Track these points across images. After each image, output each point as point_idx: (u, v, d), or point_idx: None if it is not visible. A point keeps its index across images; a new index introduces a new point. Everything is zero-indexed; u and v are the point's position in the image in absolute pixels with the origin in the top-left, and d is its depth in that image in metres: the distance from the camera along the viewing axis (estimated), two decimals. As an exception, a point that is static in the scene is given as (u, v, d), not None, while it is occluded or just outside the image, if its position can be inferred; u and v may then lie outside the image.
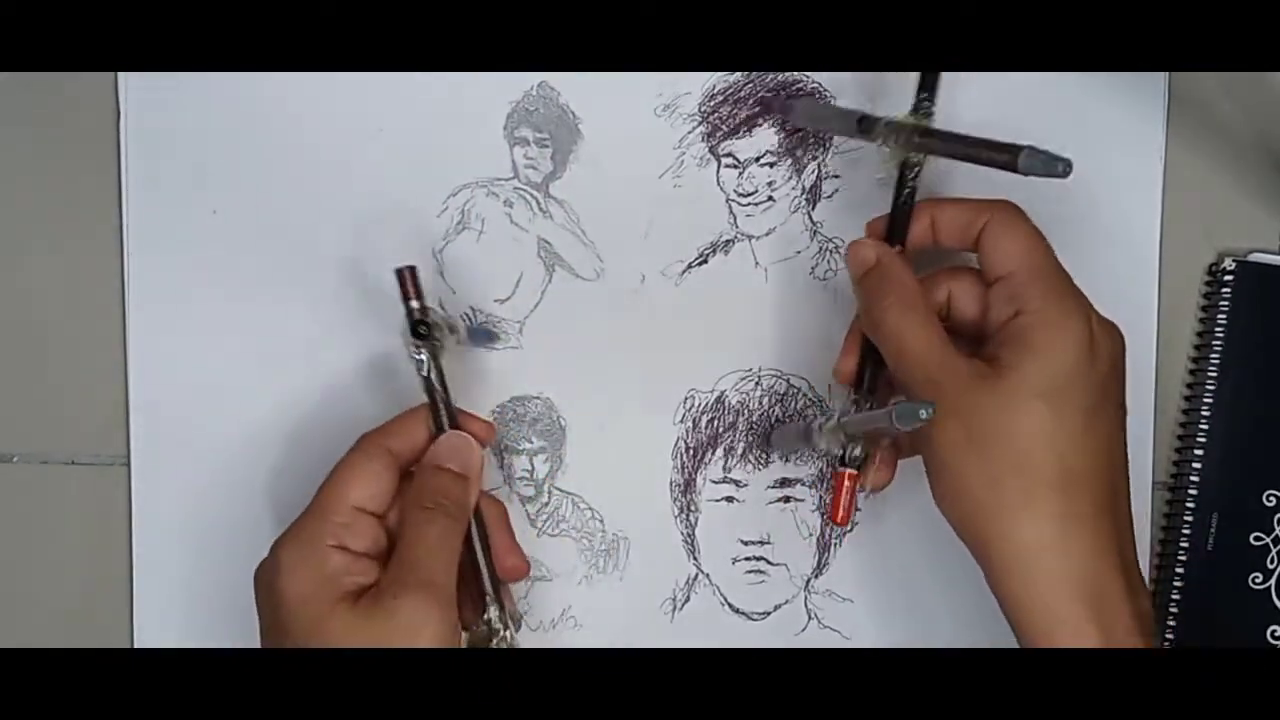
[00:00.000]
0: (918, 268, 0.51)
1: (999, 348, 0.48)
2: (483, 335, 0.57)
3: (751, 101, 0.57)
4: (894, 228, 0.52)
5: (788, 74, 0.58)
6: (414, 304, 0.52)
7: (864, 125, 0.52)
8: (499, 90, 0.57)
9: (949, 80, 0.52)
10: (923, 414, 0.45)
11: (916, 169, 0.52)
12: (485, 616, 0.52)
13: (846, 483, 0.52)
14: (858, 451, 0.52)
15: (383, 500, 0.51)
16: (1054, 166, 0.47)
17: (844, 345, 0.54)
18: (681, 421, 0.58)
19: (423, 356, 0.52)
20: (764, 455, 0.58)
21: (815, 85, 0.58)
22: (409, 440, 0.52)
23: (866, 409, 0.53)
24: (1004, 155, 0.48)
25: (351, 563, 0.49)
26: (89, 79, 0.57)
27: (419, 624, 0.47)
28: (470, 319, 0.57)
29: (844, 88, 0.58)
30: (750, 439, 0.58)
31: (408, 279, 0.52)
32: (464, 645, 0.51)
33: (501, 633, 0.52)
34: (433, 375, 0.52)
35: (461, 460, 0.52)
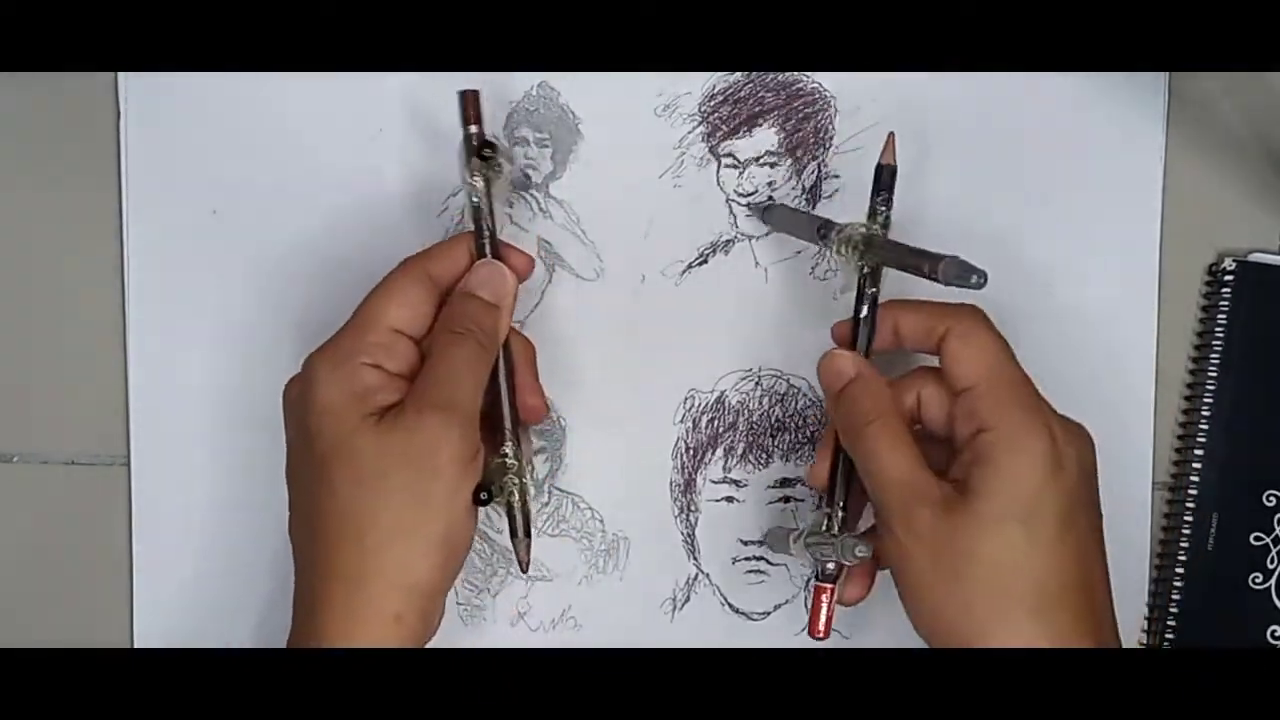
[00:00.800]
0: (885, 367, 0.52)
1: (966, 468, 0.48)
2: (523, 176, 0.57)
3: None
4: (859, 337, 0.52)
5: (788, 75, 0.58)
6: (474, 128, 0.52)
7: (822, 232, 0.53)
8: (499, 90, 0.57)
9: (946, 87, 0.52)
10: (859, 551, 0.48)
11: (874, 277, 0.52)
12: (503, 450, 0.52)
13: (823, 597, 0.52)
14: (830, 566, 0.52)
15: (421, 324, 0.51)
16: (967, 278, 0.47)
17: (818, 451, 0.54)
18: (681, 421, 0.58)
19: (478, 181, 0.52)
20: (764, 455, 0.58)
21: (815, 85, 0.58)
22: (450, 266, 0.52)
23: (838, 519, 0.52)
24: (928, 263, 0.48)
25: (384, 381, 0.49)
26: (89, 79, 0.57)
27: (437, 441, 0.48)
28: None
29: (844, 88, 0.58)
30: (750, 439, 0.58)
31: (470, 102, 0.52)
32: (479, 472, 0.50)
33: (515, 468, 0.52)
34: (484, 203, 0.52)
35: (494, 289, 0.52)
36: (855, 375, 0.51)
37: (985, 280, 0.46)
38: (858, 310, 0.52)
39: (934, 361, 0.51)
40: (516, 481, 0.52)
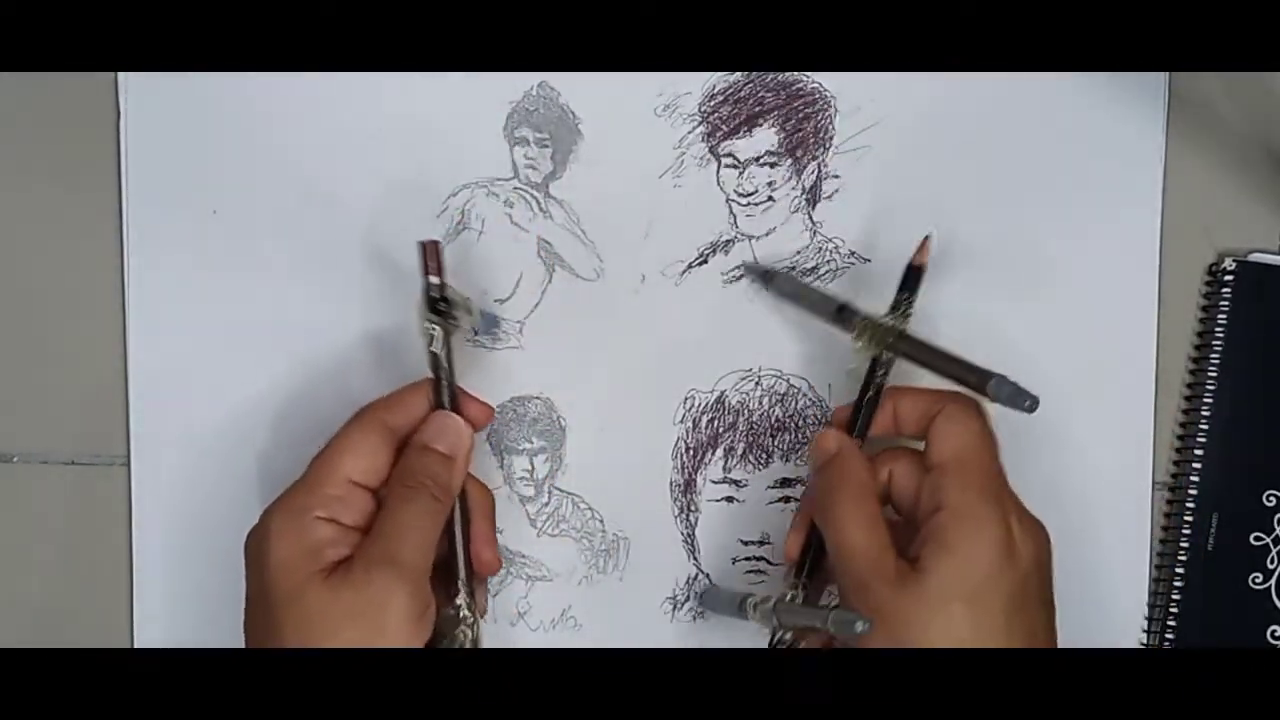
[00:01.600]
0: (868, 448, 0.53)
1: (921, 546, 0.49)
2: (490, 320, 0.57)
3: (732, 267, 0.57)
4: (857, 420, 0.53)
5: (788, 75, 0.58)
6: (434, 279, 0.52)
7: (842, 315, 0.53)
8: (499, 90, 0.57)
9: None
10: (859, 628, 0.47)
11: (886, 367, 0.53)
12: (456, 602, 0.52)
13: None
14: (787, 637, 0.52)
15: (377, 474, 0.51)
16: (1020, 400, 0.47)
17: (793, 523, 0.55)
18: (681, 422, 0.58)
19: (435, 331, 0.52)
20: (764, 455, 0.58)
21: (815, 85, 0.58)
22: (407, 414, 0.52)
23: (802, 594, 0.53)
24: (975, 377, 0.48)
25: (338, 535, 0.49)
26: (89, 79, 0.57)
27: (386, 598, 0.48)
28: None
29: (844, 88, 0.58)
30: (750, 439, 0.58)
31: (430, 253, 0.52)
32: (430, 627, 0.50)
33: (469, 620, 0.52)
34: (441, 352, 0.52)
35: (449, 442, 0.52)
36: (837, 451, 0.52)
37: (1036, 405, 0.47)
38: (862, 394, 0.53)
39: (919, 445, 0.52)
40: (468, 634, 0.52)
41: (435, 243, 0.52)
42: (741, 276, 0.58)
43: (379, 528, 0.49)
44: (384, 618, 0.48)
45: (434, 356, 0.52)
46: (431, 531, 0.50)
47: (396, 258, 0.57)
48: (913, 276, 0.53)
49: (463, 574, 0.52)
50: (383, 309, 0.57)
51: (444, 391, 0.52)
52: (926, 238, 0.53)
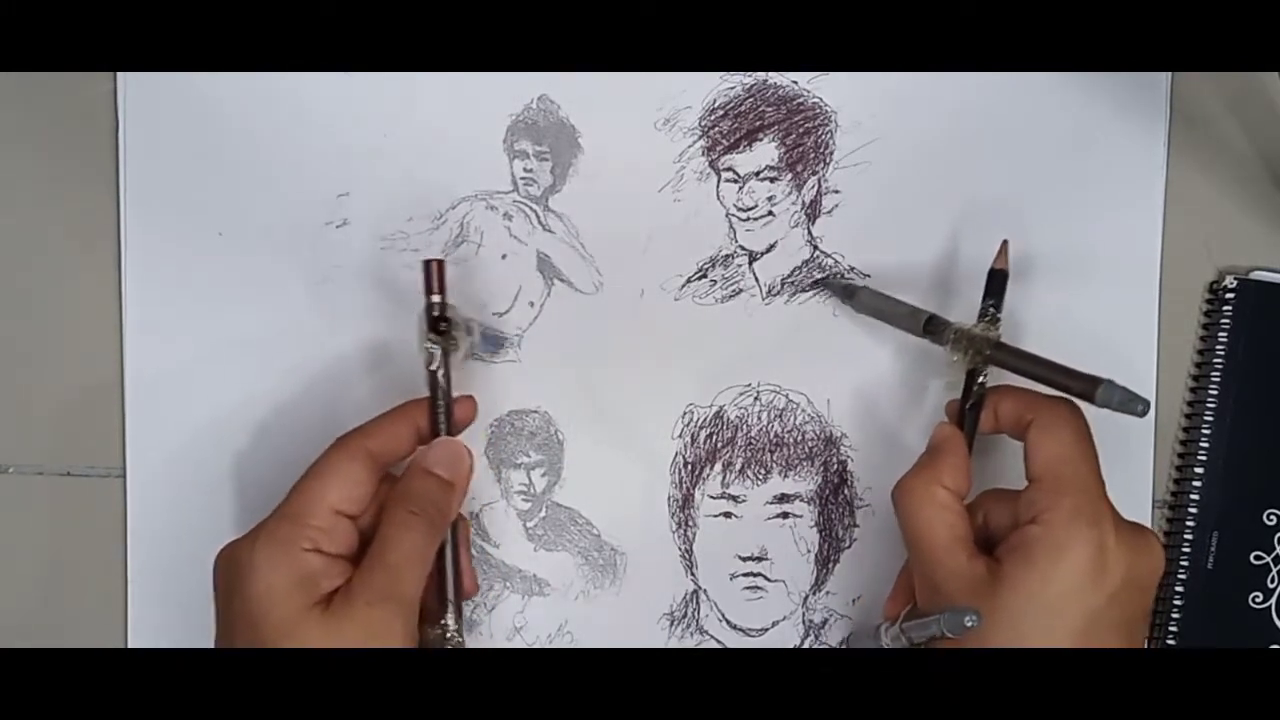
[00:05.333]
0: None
1: (1008, 552, 0.49)
2: (492, 341, 0.57)
3: (810, 282, 0.58)
4: (965, 424, 0.53)
5: (789, 89, 0.57)
6: (436, 298, 0.52)
7: (931, 327, 0.53)
8: (499, 103, 0.57)
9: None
10: (968, 622, 0.46)
11: (983, 378, 0.52)
12: (442, 622, 0.52)
13: None
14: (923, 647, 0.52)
15: (361, 502, 0.51)
16: (1133, 406, 0.46)
17: (895, 584, 0.56)
18: (680, 436, 0.58)
19: (435, 350, 0.52)
20: (762, 470, 0.58)
21: (816, 100, 0.58)
22: (391, 442, 0.52)
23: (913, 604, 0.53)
24: (1080, 384, 0.48)
25: (326, 566, 0.49)
26: (89, 79, 0.57)
27: (386, 633, 0.48)
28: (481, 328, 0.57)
29: (845, 103, 0.58)
30: (748, 454, 0.58)
31: (434, 272, 0.52)
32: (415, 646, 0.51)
33: (456, 641, 0.52)
34: (440, 373, 0.52)
35: (452, 467, 0.52)
36: (943, 439, 0.52)
37: (1149, 408, 0.46)
38: (964, 403, 0.53)
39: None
40: None
41: (440, 262, 0.52)
42: (818, 293, 0.58)
43: (380, 558, 0.49)
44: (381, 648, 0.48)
45: (432, 375, 0.52)
46: (429, 562, 0.50)
47: (395, 271, 0.57)
48: (996, 281, 0.53)
49: (451, 595, 0.52)
50: (381, 323, 0.57)
51: (439, 412, 0.52)
52: (1004, 242, 0.53)
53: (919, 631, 0.50)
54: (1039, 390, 0.51)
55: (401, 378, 0.55)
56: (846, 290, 0.57)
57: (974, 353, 0.52)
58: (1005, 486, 0.52)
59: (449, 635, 0.52)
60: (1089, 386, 0.48)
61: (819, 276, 0.58)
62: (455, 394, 0.53)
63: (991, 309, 0.52)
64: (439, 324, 0.51)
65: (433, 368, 0.52)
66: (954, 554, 0.49)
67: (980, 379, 0.52)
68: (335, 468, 0.50)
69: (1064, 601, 0.47)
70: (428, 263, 0.52)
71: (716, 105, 0.58)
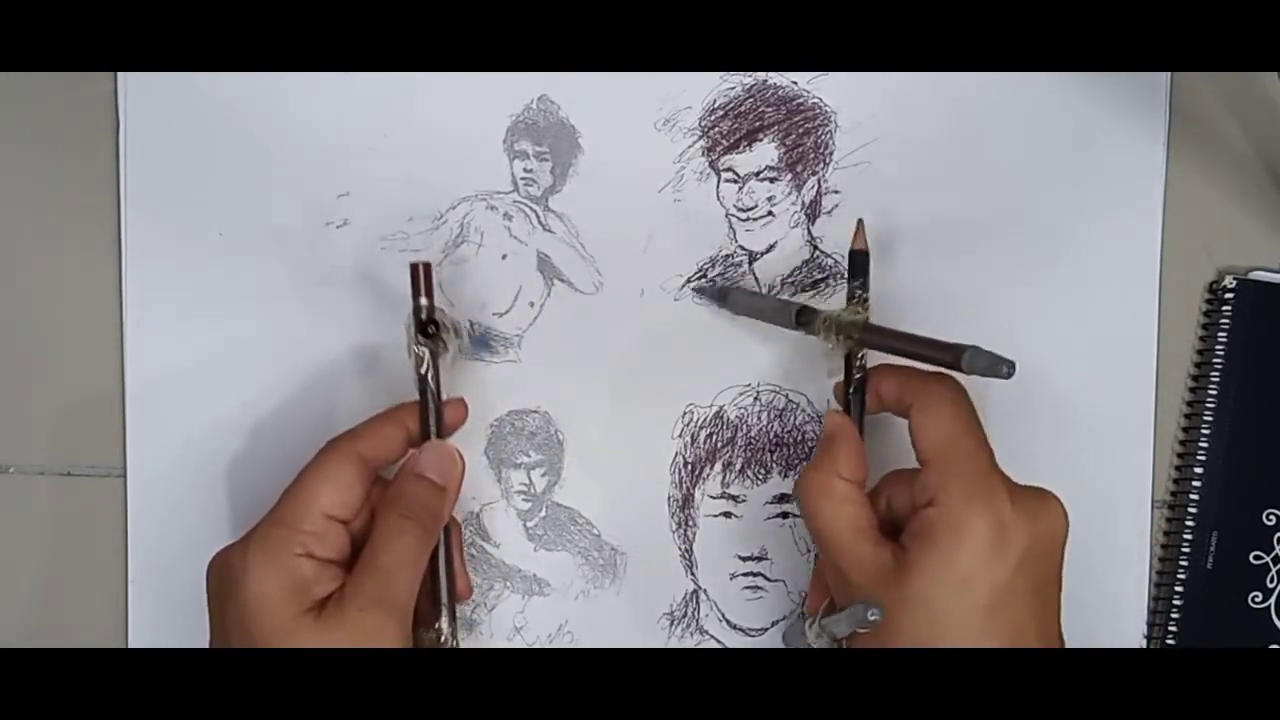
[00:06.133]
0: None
1: (909, 539, 0.49)
2: (482, 344, 0.57)
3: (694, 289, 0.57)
4: (851, 408, 0.53)
5: (789, 90, 0.58)
6: (424, 301, 0.52)
7: (803, 318, 0.53)
8: (499, 103, 0.57)
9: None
10: (871, 615, 0.47)
11: (861, 359, 0.52)
12: (436, 626, 0.52)
13: None
14: (846, 644, 0.52)
15: (351, 508, 0.51)
16: (998, 368, 0.46)
17: (810, 579, 0.55)
18: (680, 436, 0.58)
19: (424, 354, 0.52)
20: (762, 470, 0.58)
21: (816, 100, 0.58)
22: (380, 445, 0.52)
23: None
24: (947, 355, 0.47)
25: (319, 571, 0.49)
26: (89, 79, 0.57)
27: (380, 638, 0.48)
28: (470, 330, 0.57)
29: (844, 103, 0.58)
30: (748, 454, 0.58)
31: (421, 275, 0.52)
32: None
33: (450, 645, 0.52)
34: (429, 375, 0.52)
35: (443, 471, 0.52)
36: (836, 429, 0.52)
37: (1013, 370, 0.46)
38: (847, 387, 0.53)
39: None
40: None
41: (426, 265, 0.52)
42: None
43: (373, 562, 0.49)
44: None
45: (421, 380, 0.52)
46: (422, 566, 0.50)
47: (395, 272, 0.57)
48: (858, 263, 0.52)
49: (445, 598, 0.52)
50: (382, 325, 0.57)
51: (430, 415, 0.52)
52: (860, 221, 0.53)
53: (834, 626, 0.50)
54: (917, 367, 0.51)
55: (404, 379, 0.55)
56: (720, 294, 0.57)
57: (844, 337, 0.52)
58: (907, 466, 0.52)
59: (443, 639, 0.52)
60: (955, 356, 0.47)
61: (695, 284, 0.58)
62: (448, 396, 0.53)
63: (858, 291, 0.52)
64: (427, 327, 0.51)
65: (421, 371, 0.52)
66: (858, 545, 0.49)
67: (858, 361, 0.52)
68: (326, 472, 0.50)
69: (970, 579, 0.47)
70: (414, 265, 0.52)
71: (716, 105, 0.58)
